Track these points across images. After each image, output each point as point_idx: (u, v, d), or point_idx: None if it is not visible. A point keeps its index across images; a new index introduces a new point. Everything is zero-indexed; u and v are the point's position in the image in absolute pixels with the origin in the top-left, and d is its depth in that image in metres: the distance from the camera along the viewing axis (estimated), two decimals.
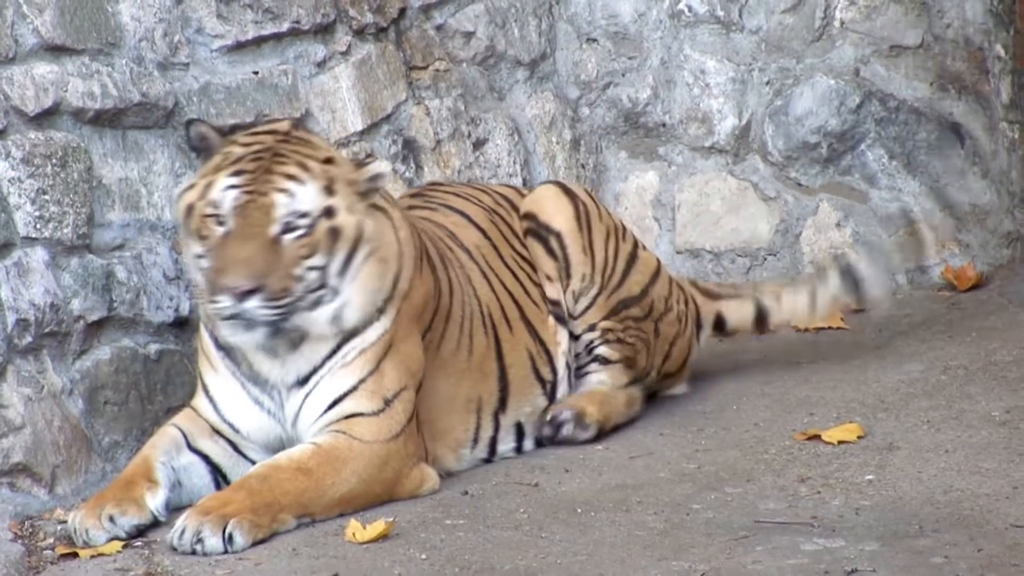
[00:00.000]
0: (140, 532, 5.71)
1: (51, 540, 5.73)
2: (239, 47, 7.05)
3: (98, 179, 6.45)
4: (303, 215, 5.89)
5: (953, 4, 8.16)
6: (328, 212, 5.93)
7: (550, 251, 6.79)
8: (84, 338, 6.30)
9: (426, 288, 6.22)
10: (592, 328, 6.75)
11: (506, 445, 6.51)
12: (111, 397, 6.35)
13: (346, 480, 5.88)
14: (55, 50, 6.37)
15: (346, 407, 6.00)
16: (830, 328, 7.78)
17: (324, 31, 7.35)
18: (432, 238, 6.41)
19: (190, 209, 5.93)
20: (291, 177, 5.92)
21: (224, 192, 5.88)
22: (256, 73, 7.08)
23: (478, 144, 7.88)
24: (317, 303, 5.91)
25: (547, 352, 6.68)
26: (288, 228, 5.88)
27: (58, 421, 6.10)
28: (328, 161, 6.03)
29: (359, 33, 7.49)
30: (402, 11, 7.70)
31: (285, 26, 7.19)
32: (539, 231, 6.81)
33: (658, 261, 7.04)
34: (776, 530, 5.58)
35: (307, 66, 7.29)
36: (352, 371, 6.03)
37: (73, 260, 6.30)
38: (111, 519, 5.68)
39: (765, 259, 8.29)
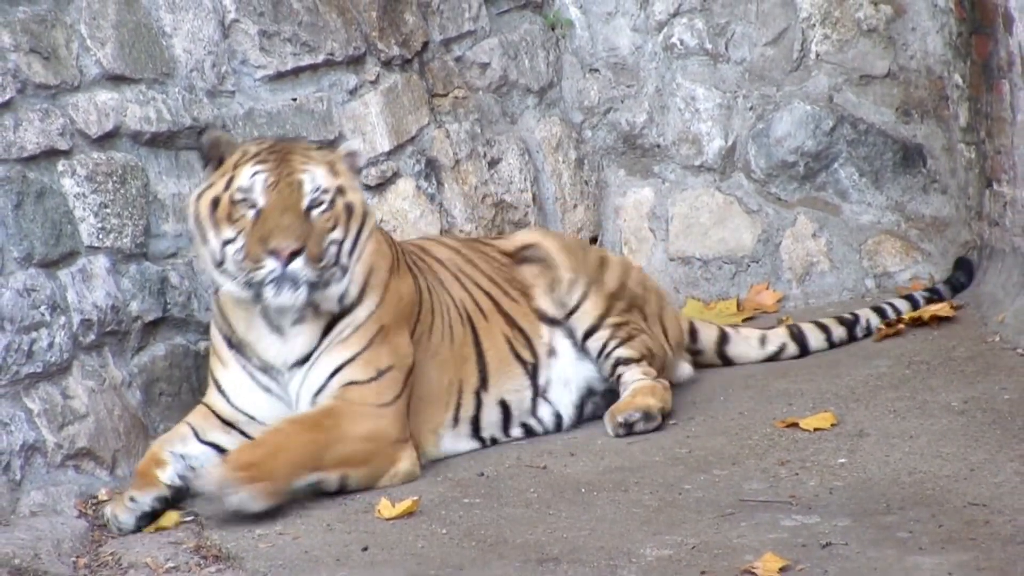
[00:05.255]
0: (164, 504, 5.76)
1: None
2: (279, 77, 7.05)
3: (154, 194, 6.46)
4: (325, 191, 5.92)
5: (916, 37, 8.15)
6: (340, 190, 5.96)
7: (542, 263, 6.78)
8: (141, 336, 6.30)
9: (408, 287, 6.23)
10: (595, 329, 6.72)
11: (491, 419, 6.47)
12: (165, 389, 6.36)
13: (346, 436, 5.88)
14: (115, 79, 6.37)
15: (344, 375, 6.00)
16: None
17: (355, 62, 7.35)
18: (404, 250, 6.42)
19: (215, 202, 5.92)
20: (304, 162, 5.94)
21: (252, 178, 5.89)
22: (295, 100, 7.08)
23: (493, 163, 7.88)
24: (331, 280, 5.91)
25: (526, 337, 6.64)
26: (314, 203, 5.90)
27: (118, 410, 6.10)
28: (318, 150, 6.10)
29: (387, 64, 7.49)
30: (425, 44, 7.71)
31: (321, 58, 7.19)
32: (532, 255, 6.80)
33: (623, 259, 7.06)
34: (759, 508, 5.57)
35: (340, 93, 7.29)
36: (348, 346, 6.03)
37: (132, 267, 6.31)
38: (132, 499, 5.72)
39: (749, 266, 8.28)
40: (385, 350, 6.06)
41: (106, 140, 6.29)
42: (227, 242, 5.89)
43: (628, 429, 6.48)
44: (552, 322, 6.71)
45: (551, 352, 6.68)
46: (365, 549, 5.38)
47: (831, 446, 6.14)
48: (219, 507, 5.70)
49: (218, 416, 6.07)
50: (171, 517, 5.74)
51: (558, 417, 6.63)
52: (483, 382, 6.47)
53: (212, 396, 6.11)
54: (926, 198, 8.19)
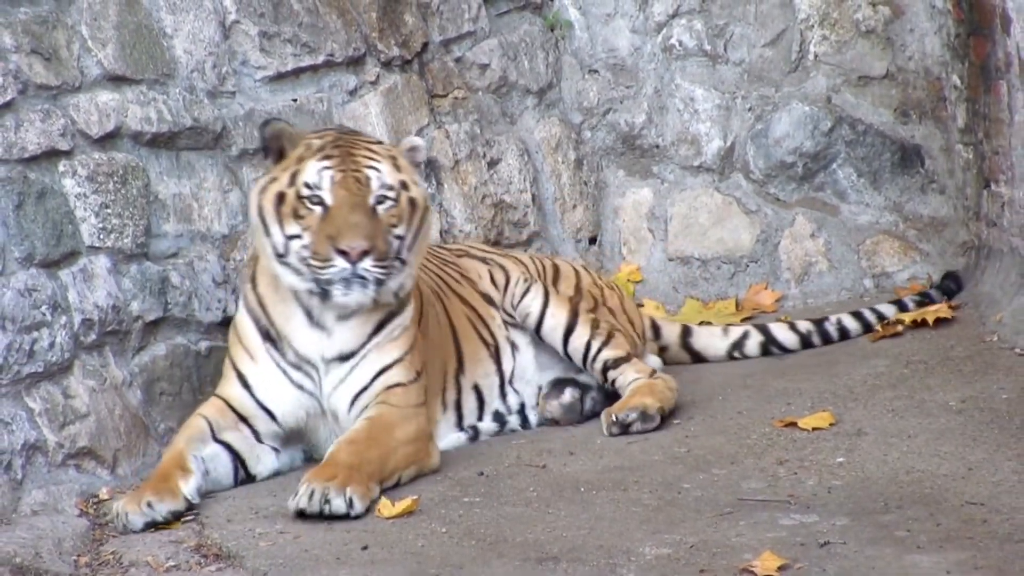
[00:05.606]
0: (176, 517, 5.67)
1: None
2: (280, 77, 7.05)
3: (154, 195, 6.46)
4: (390, 187, 5.94)
5: (914, 39, 8.15)
6: (404, 185, 5.97)
7: (482, 260, 6.80)
8: (142, 336, 6.30)
9: (420, 282, 6.29)
10: (570, 332, 6.70)
11: (469, 407, 6.49)
12: (166, 388, 6.35)
13: (398, 442, 5.90)
14: (116, 80, 6.37)
15: (389, 377, 6.02)
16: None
17: (355, 63, 7.35)
18: None
19: (280, 197, 5.92)
20: (369, 157, 5.94)
21: (320, 173, 5.89)
22: (295, 100, 7.08)
23: (492, 164, 7.88)
24: (393, 274, 5.91)
25: (484, 321, 6.64)
26: (380, 200, 5.91)
27: (119, 410, 6.10)
28: (380, 143, 6.10)
29: (386, 65, 7.49)
30: (425, 45, 7.71)
31: (321, 59, 7.19)
32: (473, 253, 6.84)
33: (575, 266, 7.07)
34: (757, 507, 5.56)
35: (340, 94, 7.29)
36: (398, 346, 6.05)
37: (132, 267, 6.31)
38: (149, 505, 5.64)
39: (747, 266, 8.28)
40: (418, 350, 6.11)
41: (107, 140, 6.29)
42: (292, 237, 5.89)
43: (623, 429, 6.46)
44: (490, 303, 6.69)
45: (513, 346, 6.70)
46: (365, 548, 5.37)
47: (829, 445, 6.13)
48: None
49: (234, 411, 6.05)
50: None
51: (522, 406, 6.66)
52: (460, 365, 6.50)
53: (232, 389, 6.08)
54: (924, 198, 8.19)
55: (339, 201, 5.86)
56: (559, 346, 6.73)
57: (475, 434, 6.51)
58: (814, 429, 6.32)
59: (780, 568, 4.98)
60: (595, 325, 6.73)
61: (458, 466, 6.18)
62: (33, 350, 5.83)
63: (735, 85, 8.28)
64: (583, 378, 6.74)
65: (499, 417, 6.60)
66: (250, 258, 6.25)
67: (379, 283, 5.84)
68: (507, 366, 6.65)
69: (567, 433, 6.57)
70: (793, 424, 6.37)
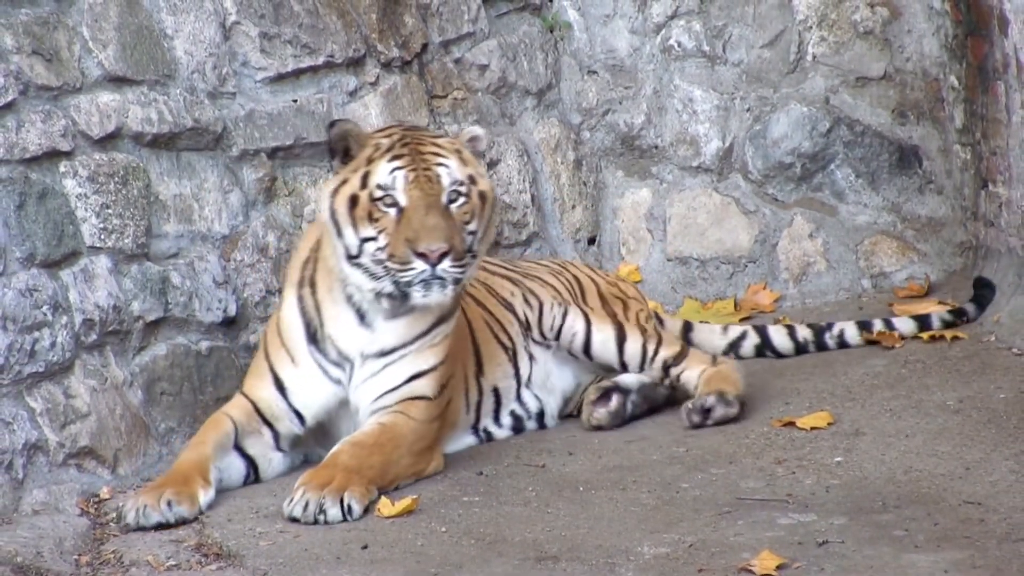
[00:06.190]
0: (183, 523, 5.65)
1: (113, 515, 5.73)
2: (280, 78, 7.05)
3: (155, 195, 6.46)
4: (461, 183, 5.93)
5: (912, 40, 8.15)
6: (472, 179, 5.96)
7: (529, 292, 6.79)
8: (143, 336, 6.30)
9: None
10: (622, 343, 6.70)
11: (487, 408, 6.49)
12: (167, 388, 6.35)
13: (404, 454, 5.89)
14: (117, 81, 6.37)
15: (416, 387, 6.00)
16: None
17: (355, 64, 7.35)
18: None
19: (354, 199, 5.89)
20: (437, 154, 5.93)
21: (391, 174, 5.87)
22: (295, 101, 7.08)
23: (492, 164, 7.87)
24: (467, 270, 5.91)
25: (501, 324, 6.63)
26: (453, 197, 5.90)
27: (120, 410, 6.10)
28: (442, 136, 6.10)
29: (386, 66, 7.49)
30: (424, 46, 7.71)
31: (321, 60, 7.19)
32: (515, 279, 6.82)
33: (584, 269, 7.06)
34: (756, 506, 5.56)
35: (340, 95, 7.29)
36: (435, 353, 6.05)
37: (133, 267, 6.30)
38: (168, 504, 5.62)
39: (746, 266, 8.28)
40: (450, 361, 6.11)
41: (108, 141, 6.29)
42: (366, 240, 5.87)
43: (703, 414, 6.47)
44: (508, 308, 6.68)
45: (531, 355, 6.68)
46: (365, 547, 5.37)
47: (828, 445, 6.13)
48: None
49: (260, 414, 6.05)
50: None
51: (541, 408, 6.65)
52: (479, 366, 6.48)
53: (263, 391, 6.06)
54: (922, 199, 8.19)
55: (414, 202, 5.84)
56: (614, 358, 6.72)
57: (488, 437, 6.50)
58: (812, 429, 6.32)
59: (778, 567, 4.98)
60: (643, 330, 6.76)
61: (458, 465, 6.18)
62: (34, 350, 5.83)
63: (734, 86, 8.28)
64: (625, 380, 6.69)
65: (516, 419, 6.58)
66: (302, 261, 6.17)
67: (456, 282, 5.83)
68: (524, 370, 6.63)
69: (566, 433, 6.57)
70: (791, 424, 6.37)
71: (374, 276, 5.87)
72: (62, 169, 6.10)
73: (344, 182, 5.93)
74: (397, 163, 5.89)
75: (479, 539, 5.42)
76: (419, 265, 5.78)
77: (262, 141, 6.88)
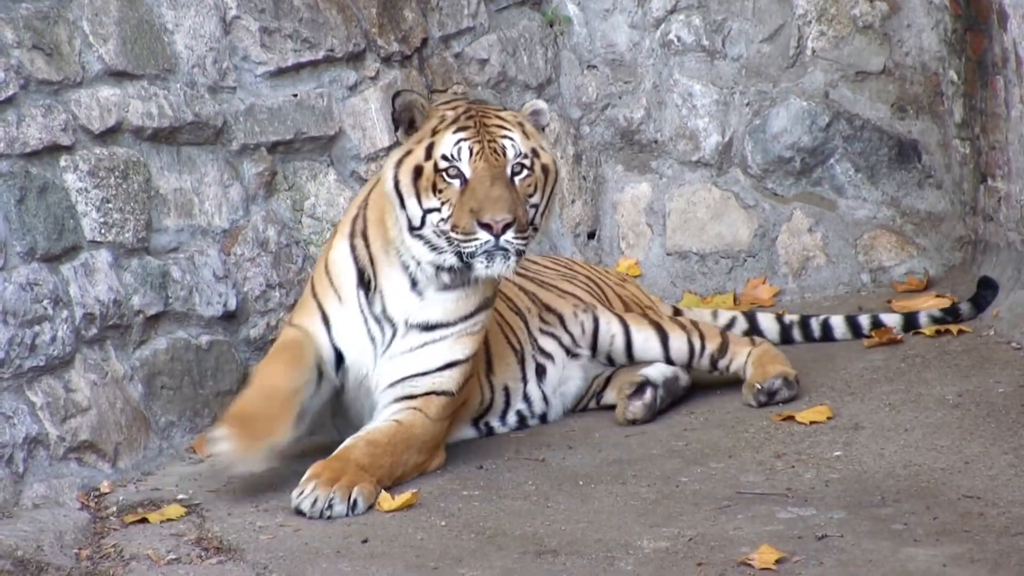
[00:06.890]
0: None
1: (113, 509, 5.73)
2: (280, 73, 7.05)
3: (155, 189, 6.45)
4: (525, 156, 5.92)
5: (912, 34, 8.14)
6: (535, 152, 5.96)
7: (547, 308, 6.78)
8: (143, 330, 6.30)
9: None
10: (666, 341, 6.73)
11: (497, 405, 6.49)
12: (167, 382, 6.35)
13: (414, 454, 5.89)
14: (117, 75, 6.37)
15: (444, 381, 6.00)
16: None
17: (355, 58, 7.34)
18: None
19: (418, 170, 5.88)
20: (502, 127, 5.93)
21: (456, 146, 5.87)
22: (295, 96, 7.07)
23: None
24: (528, 242, 5.90)
25: (511, 326, 6.62)
26: (517, 170, 5.89)
27: (120, 404, 6.09)
28: (505, 110, 6.08)
29: (386, 60, 7.48)
30: (424, 41, 7.70)
31: (321, 54, 7.18)
32: (530, 294, 6.81)
33: (591, 270, 7.08)
34: (755, 500, 5.56)
35: (340, 89, 7.28)
36: (470, 344, 6.06)
37: (133, 261, 6.30)
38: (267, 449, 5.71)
39: (745, 260, 8.28)
40: (477, 357, 6.11)
41: (108, 135, 6.29)
42: (430, 211, 5.86)
43: (769, 396, 6.53)
44: (520, 316, 6.67)
45: (548, 356, 6.67)
46: (365, 541, 5.37)
47: (827, 439, 6.13)
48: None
49: (310, 343, 6.04)
50: (174, 509, 5.72)
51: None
52: (489, 365, 6.48)
53: (314, 324, 6.06)
54: (921, 193, 8.19)
55: (479, 174, 5.83)
56: (659, 356, 6.73)
57: (488, 431, 6.50)
58: (811, 423, 6.32)
59: (778, 561, 4.98)
60: (681, 326, 6.76)
61: (457, 459, 6.18)
62: (35, 344, 5.83)
63: (733, 80, 8.28)
64: (652, 373, 6.67)
65: (521, 417, 6.57)
66: (351, 217, 6.14)
67: (519, 254, 5.81)
68: (529, 372, 6.62)
69: (566, 427, 6.57)
70: (791, 418, 6.37)
71: (435, 248, 5.87)
72: (63, 163, 6.10)
73: (408, 153, 5.93)
74: (462, 135, 5.89)
75: (479, 533, 5.41)
76: (483, 236, 5.77)
77: (262, 135, 6.88)
